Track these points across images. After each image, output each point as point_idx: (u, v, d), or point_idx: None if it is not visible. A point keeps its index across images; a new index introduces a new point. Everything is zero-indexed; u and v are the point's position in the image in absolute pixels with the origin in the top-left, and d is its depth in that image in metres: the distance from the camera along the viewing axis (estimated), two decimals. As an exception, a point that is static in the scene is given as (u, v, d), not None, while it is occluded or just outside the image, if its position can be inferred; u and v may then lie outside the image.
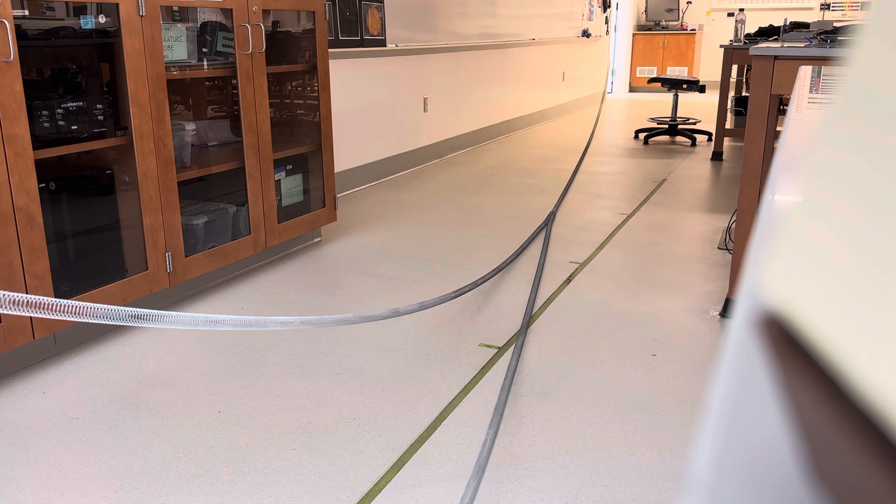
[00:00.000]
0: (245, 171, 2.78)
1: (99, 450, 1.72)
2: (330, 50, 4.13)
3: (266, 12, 3.11)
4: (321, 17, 3.08)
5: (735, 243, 2.41)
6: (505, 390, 1.94)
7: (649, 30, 11.21)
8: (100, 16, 2.25)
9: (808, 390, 0.17)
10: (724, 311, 2.51)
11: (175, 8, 2.58)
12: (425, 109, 5.24)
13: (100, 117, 2.25)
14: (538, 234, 3.44)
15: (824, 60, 2.24)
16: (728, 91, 5.33)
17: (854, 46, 0.17)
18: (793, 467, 0.22)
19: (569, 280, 2.85)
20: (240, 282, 2.84)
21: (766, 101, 2.30)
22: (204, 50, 2.69)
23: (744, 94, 6.94)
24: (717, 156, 5.41)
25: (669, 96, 10.22)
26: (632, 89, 11.37)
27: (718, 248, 3.26)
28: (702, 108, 8.78)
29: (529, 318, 2.45)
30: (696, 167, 5.16)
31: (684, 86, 6.24)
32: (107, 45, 2.30)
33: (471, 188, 4.51)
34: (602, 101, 7.46)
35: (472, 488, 1.49)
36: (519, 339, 2.29)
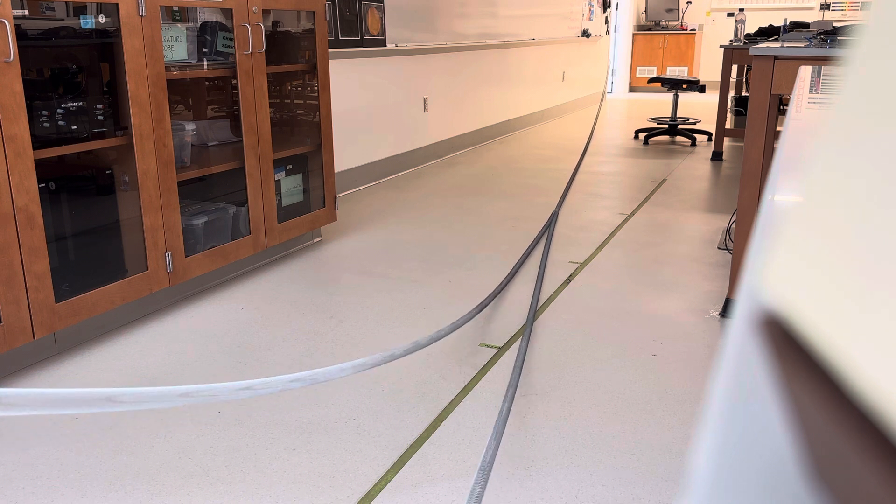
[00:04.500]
0: (245, 171, 2.78)
1: (99, 450, 1.72)
2: (330, 50, 4.13)
3: (266, 12, 3.11)
4: (321, 17, 3.08)
5: (735, 243, 2.41)
6: (512, 388, 1.94)
7: (649, 30, 11.21)
8: (100, 16, 2.25)
9: (808, 390, 0.17)
10: (724, 311, 2.51)
11: (175, 8, 2.58)
12: (425, 109, 5.24)
13: (100, 117, 2.25)
14: (542, 235, 3.44)
15: (824, 60, 2.24)
16: (728, 91, 5.33)
17: (854, 46, 0.17)
18: (793, 468, 0.22)
19: (569, 280, 2.85)
20: (240, 282, 2.85)
21: (766, 101, 2.30)
22: (204, 50, 2.69)
23: (744, 94, 6.94)
24: (717, 156, 5.41)
25: (669, 96, 10.22)
26: (632, 89, 11.37)
27: (718, 248, 3.26)
28: (702, 108, 8.78)
29: (534, 316, 2.45)
30: (696, 167, 5.16)
31: (684, 86, 6.25)
32: (107, 45, 2.30)
33: (471, 188, 4.51)
34: (602, 101, 7.46)
35: (479, 487, 1.49)
36: (524, 336, 2.29)
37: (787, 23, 4.98)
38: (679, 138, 6.50)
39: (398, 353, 1.78)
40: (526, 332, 2.33)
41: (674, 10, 11.05)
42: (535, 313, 2.50)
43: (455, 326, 2.08)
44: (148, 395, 0.99)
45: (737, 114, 6.39)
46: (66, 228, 2.37)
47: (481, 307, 2.41)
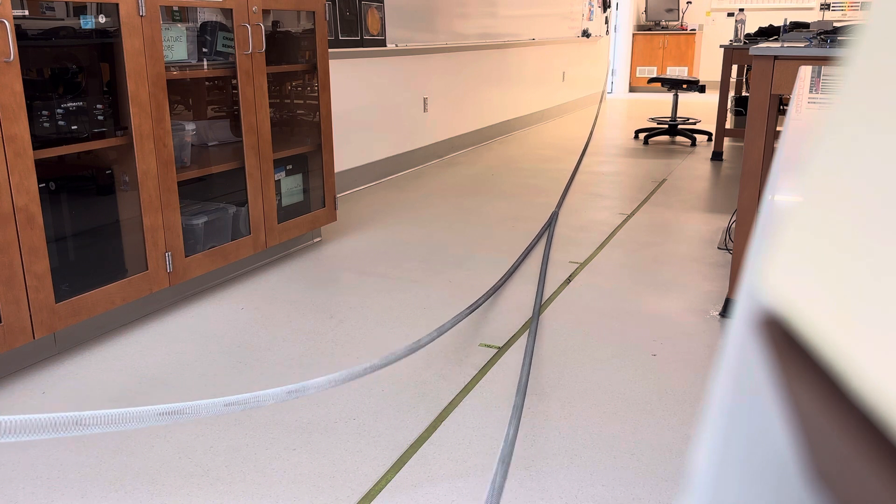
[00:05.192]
0: (245, 171, 2.78)
1: (99, 450, 1.72)
2: (330, 50, 4.13)
3: (266, 12, 3.11)
4: (321, 17, 3.08)
5: (735, 243, 2.41)
6: (521, 390, 1.94)
7: (649, 30, 11.21)
8: (100, 16, 2.25)
9: (808, 390, 0.17)
10: (724, 311, 2.51)
11: (175, 8, 2.58)
12: (425, 109, 5.24)
13: (100, 117, 2.25)
14: (542, 235, 3.44)
15: (824, 60, 2.24)
16: (728, 91, 5.34)
17: (854, 46, 0.17)
18: (793, 468, 0.22)
19: (569, 280, 2.85)
20: (240, 282, 2.85)
21: (766, 101, 2.30)
22: (204, 50, 2.69)
23: (744, 94, 6.94)
24: (717, 156, 5.41)
25: (669, 96, 10.22)
26: (632, 89, 11.37)
27: (718, 248, 3.26)
28: (702, 108, 8.78)
29: (538, 317, 2.45)
30: (696, 167, 5.16)
31: (684, 86, 6.24)
32: (107, 45, 2.30)
33: (470, 188, 4.51)
34: (602, 101, 7.46)
35: (498, 484, 1.49)
36: (530, 333, 2.29)
37: (787, 23, 4.98)
38: (679, 138, 6.50)
39: (400, 353, 1.78)
40: (532, 328, 2.33)
41: (674, 10, 11.05)
42: (539, 311, 2.50)
43: (441, 331, 2.08)
44: (124, 417, 0.98)
45: (737, 114, 6.39)
46: (66, 228, 2.37)
47: (473, 308, 2.41)
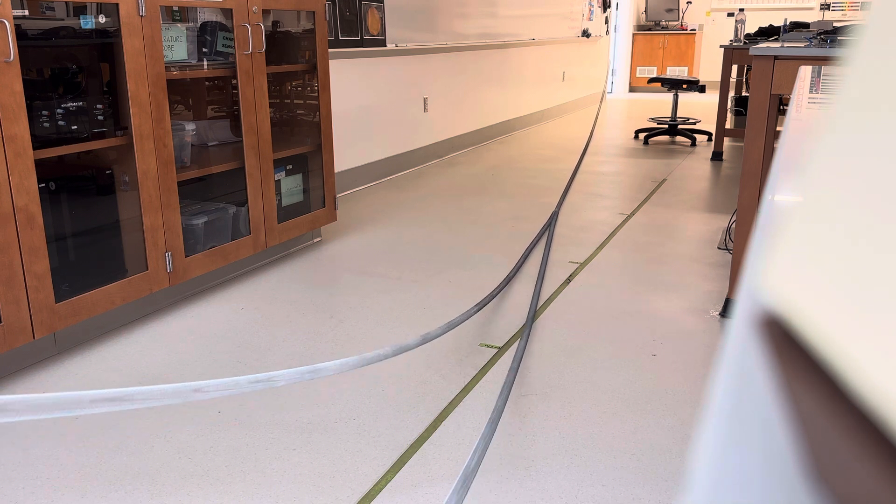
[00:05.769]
0: (245, 171, 2.78)
1: (99, 450, 1.72)
2: (330, 50, 4.13)
3: (266, 12, 3.10)
4: (321, 17, 3.08)
5: (735, 243, 2.41)
6: (505, 391, 1.94)
7: (649, 30, 11.21)
8: (100, 16, 2.25)
9: (808, 390, 0.17)
10: (724, 311, 2.51)
11: (175, 8, 2.58)
12: (425, 109, 5.24)
13: (100, 117, 2.25)
14: (542, 235, 3.44)
15: (824, 60, 2.24)
16: (728, 91, 5.33)
17: (854, 46, 0.17)
18: (793, 468, 0.22)
19: (569, 280, 2.85)
20: (240, 282, 2.84)
21: (766, 101, 2.30)
22: (204, 50, 2.69)
23: (744, 94, 6.94)
24: (717, 156, 5.41)
25: (669, 96, 10.22)
26: (632, 89, 11.37)
27: (718, 248, 3.26)
28: (702, 108, 8.78)
29: (533, 316, 2.45)
30: (696, 167, 5.16)
31: (684, 86, 6.24)
32: (107, 45, 2.30)
33: (471, 188, 4.51)
34: (602, 101, 7.45)
35: (459, 492, 1.49)
36: (521, 338, 2.29)
37: (787, 23, 4.98)
38: (679, 138, 6.50)
39: (409, 345, 1.78)
40: (525, 332, 2.33)
41: (674, 10, 11.05)
42: (534, 313, 2.50)
43: (450, 326, 2.08)
44: (160, 393, 0.99)
45: (737, 114, 6.39)
46: (66, 228, 2.37)
47: (479, 307, 2.41)
